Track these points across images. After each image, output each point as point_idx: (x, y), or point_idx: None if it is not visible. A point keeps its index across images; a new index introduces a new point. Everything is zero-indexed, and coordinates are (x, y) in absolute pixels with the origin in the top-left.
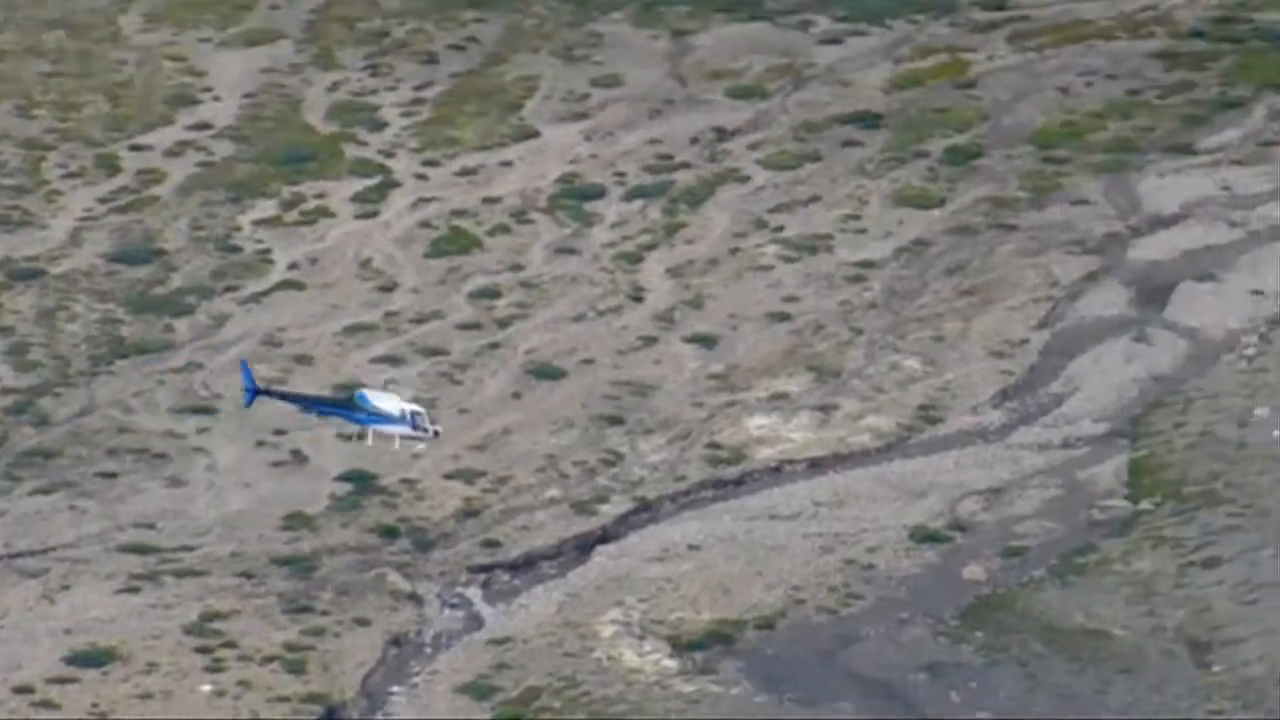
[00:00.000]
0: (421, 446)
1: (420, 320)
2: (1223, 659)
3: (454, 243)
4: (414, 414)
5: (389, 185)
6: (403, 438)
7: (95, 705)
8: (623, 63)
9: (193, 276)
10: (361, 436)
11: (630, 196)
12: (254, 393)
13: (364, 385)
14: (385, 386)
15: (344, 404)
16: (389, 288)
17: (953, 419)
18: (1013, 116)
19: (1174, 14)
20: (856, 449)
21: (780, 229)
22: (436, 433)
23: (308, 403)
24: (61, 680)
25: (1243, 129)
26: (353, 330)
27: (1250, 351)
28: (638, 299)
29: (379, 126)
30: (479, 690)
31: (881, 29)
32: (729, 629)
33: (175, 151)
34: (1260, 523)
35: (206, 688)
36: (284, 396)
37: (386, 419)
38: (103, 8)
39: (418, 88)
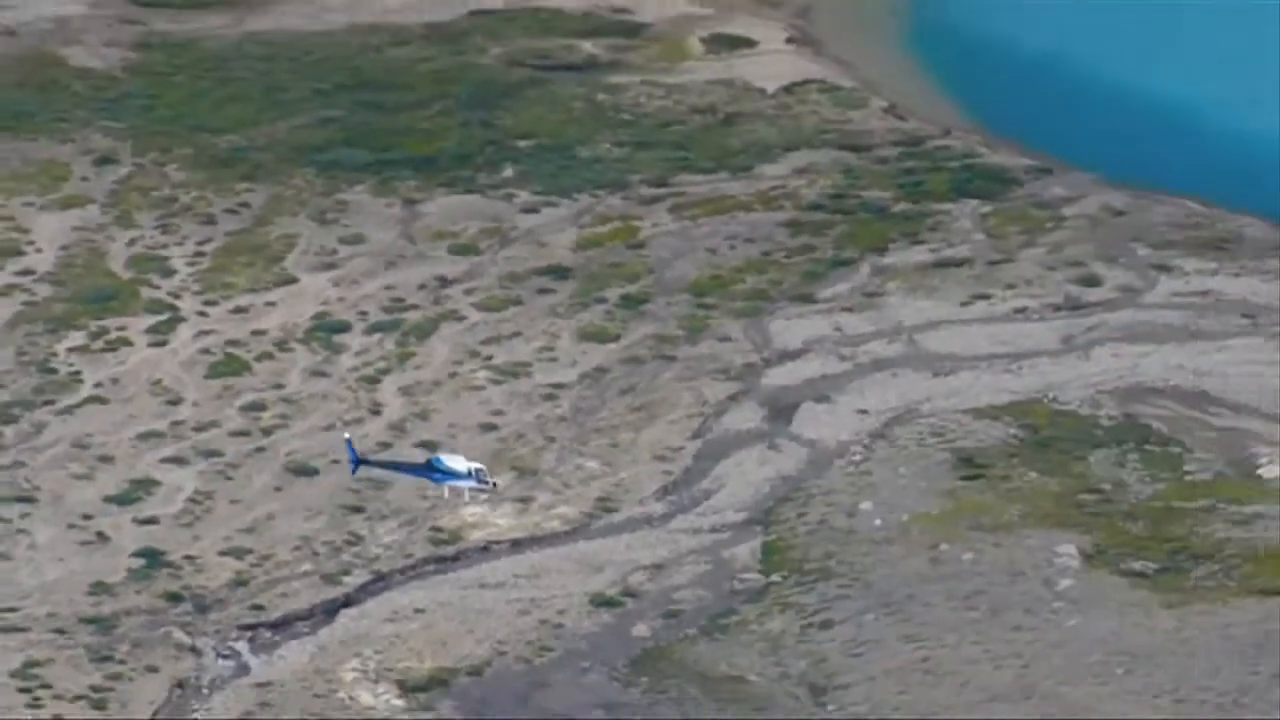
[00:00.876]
0: (485, 496)
1: (200, 428)
2: (835, 700)
3: (228, 366)
4: (478, 471)
5: (176, 320)
6: (470, 490)
7: None
8: (365, 225)
9: (18, 393)
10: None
11: (370, 331)
12: (357, 463)
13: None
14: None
15: (424, 467)
16: (175, 402)
17: (625, 509)
18: (673, 271)
19: (799, 191)
20: (549, 532)
21: (490, 357)
22: (495, 484)
23: (399, 468)
24: None
25: (851, 283)
26: (146, 436)
27: (857, 458)
28: (376, 412)
29: (169, 273)
30: None
31: (570, 201)
32: (446, 674)
33: (4, 292)
34: (865, 592)
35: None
36: (379, 464)
37: (457, 476)
38: None
39: (200, 243)
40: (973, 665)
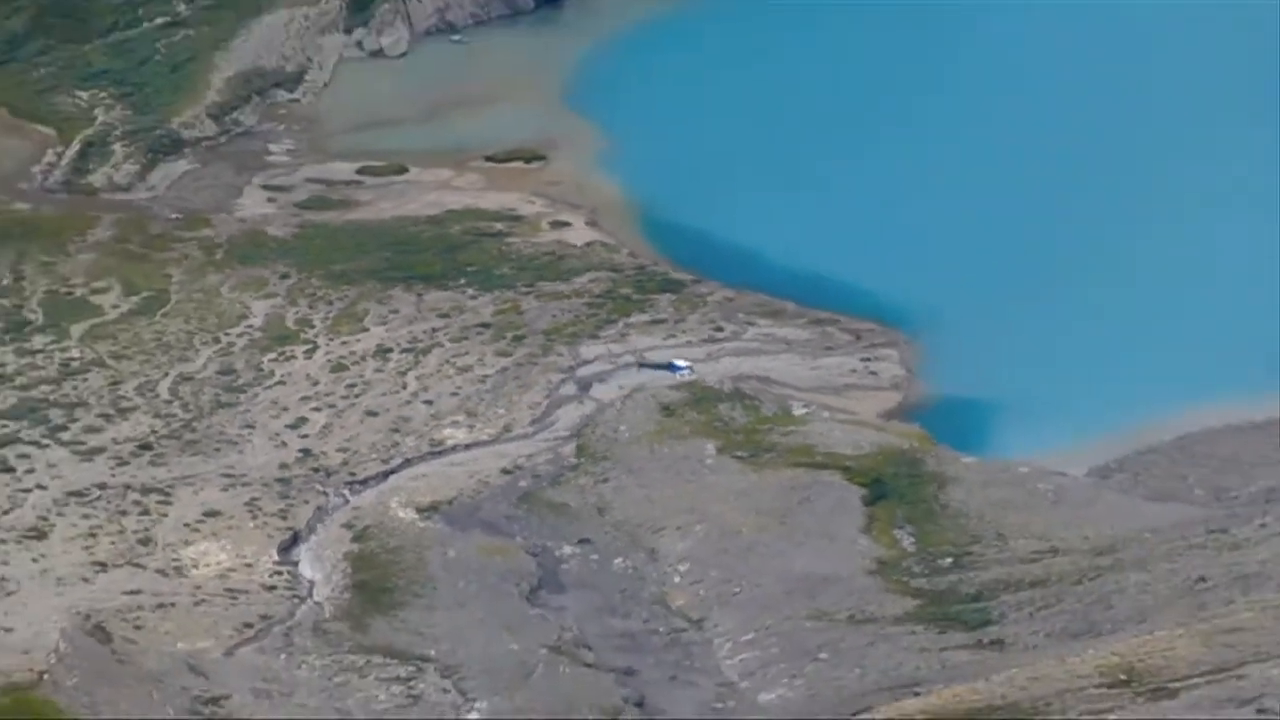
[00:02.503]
0: (694, 375)
1: (327, 394)
2: (608, 514)
3: (339, 368)
4: (690, 365)
5: (315, 348)
6: (688, 374)
7: (213, 531)
8: (399, 305)
9: (246, 379)
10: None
11: (401, 352)
12: (640, 365)
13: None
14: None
15: (668, 365)
16: (316, 383)
17: (516, 430)
18: (536, 325)
19: (592, 289)
20: (483, 440)
21: (455, 363)
22: (693, 369)
23: (656, 365)
24: (201, 520)
25: (615, 329)
26: (303, 398)
27: (618, 407)
28: (404, 387)
29: (312, 327)
30: (348, 525)
31: (490, 294)
32: (436, 504)
33: (240, 335)
34: (621, 467)
35: (251, 523)
36: (649, 365)
37: (681, 369)
38: (212, 285)
39: (326, 314)
40: (668, 498)
